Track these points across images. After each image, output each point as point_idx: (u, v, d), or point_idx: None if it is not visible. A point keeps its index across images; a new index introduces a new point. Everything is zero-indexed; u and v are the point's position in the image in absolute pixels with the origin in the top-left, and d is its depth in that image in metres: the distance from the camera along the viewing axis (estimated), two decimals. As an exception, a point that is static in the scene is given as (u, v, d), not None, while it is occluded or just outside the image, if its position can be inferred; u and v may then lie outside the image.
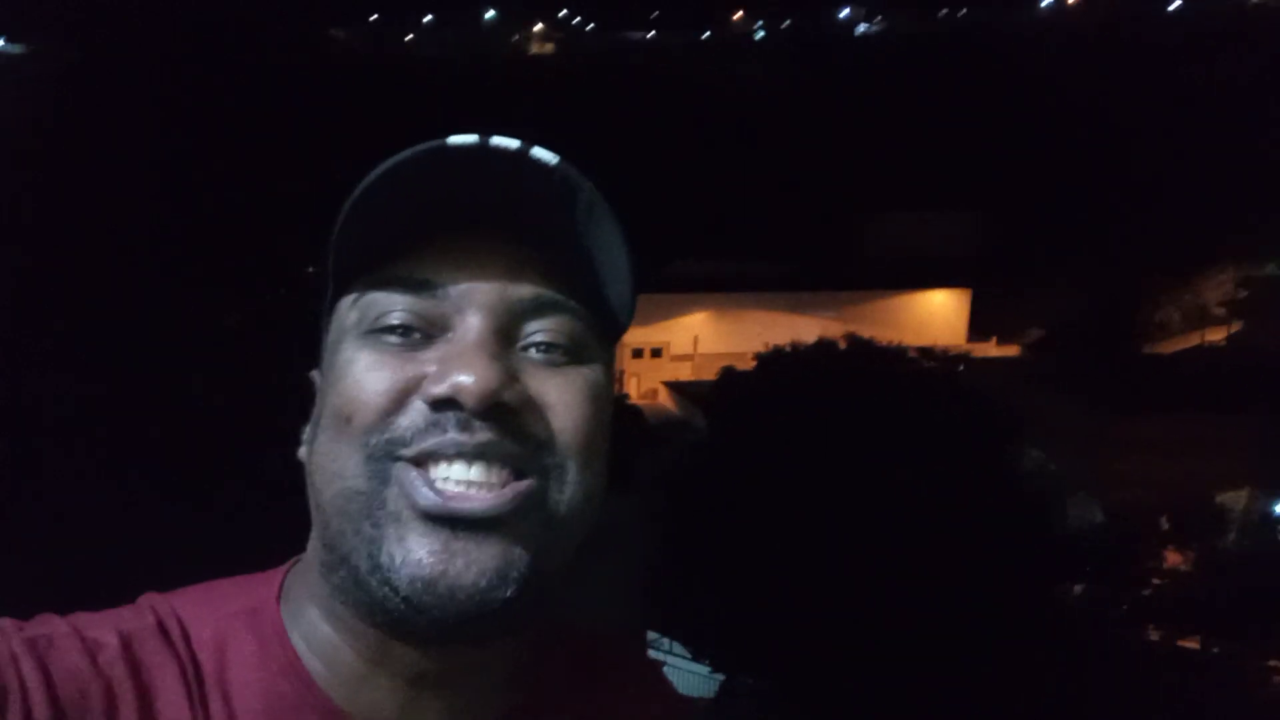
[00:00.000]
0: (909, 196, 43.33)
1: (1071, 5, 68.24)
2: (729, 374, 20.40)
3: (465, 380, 0.71)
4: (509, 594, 0.71)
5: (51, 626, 0.76)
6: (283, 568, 0.88)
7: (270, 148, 15.40)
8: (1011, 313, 38.23)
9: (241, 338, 10.73)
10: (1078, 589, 16.00)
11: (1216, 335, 36.71)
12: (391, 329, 0.76)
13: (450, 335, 0.76)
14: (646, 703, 0.98)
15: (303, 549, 0.85)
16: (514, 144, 0.76)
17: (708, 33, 76.94)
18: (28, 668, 0.70)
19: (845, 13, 77.96)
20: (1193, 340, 37.05)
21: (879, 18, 76.98)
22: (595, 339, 0.81)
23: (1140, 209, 40.04)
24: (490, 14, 77.89)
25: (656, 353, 35.79)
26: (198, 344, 10.10)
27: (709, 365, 28.38)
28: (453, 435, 0.72)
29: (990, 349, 37.15)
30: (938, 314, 39.70)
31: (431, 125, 0.89)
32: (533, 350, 0.77)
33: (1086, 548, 15.60)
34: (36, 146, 11.07)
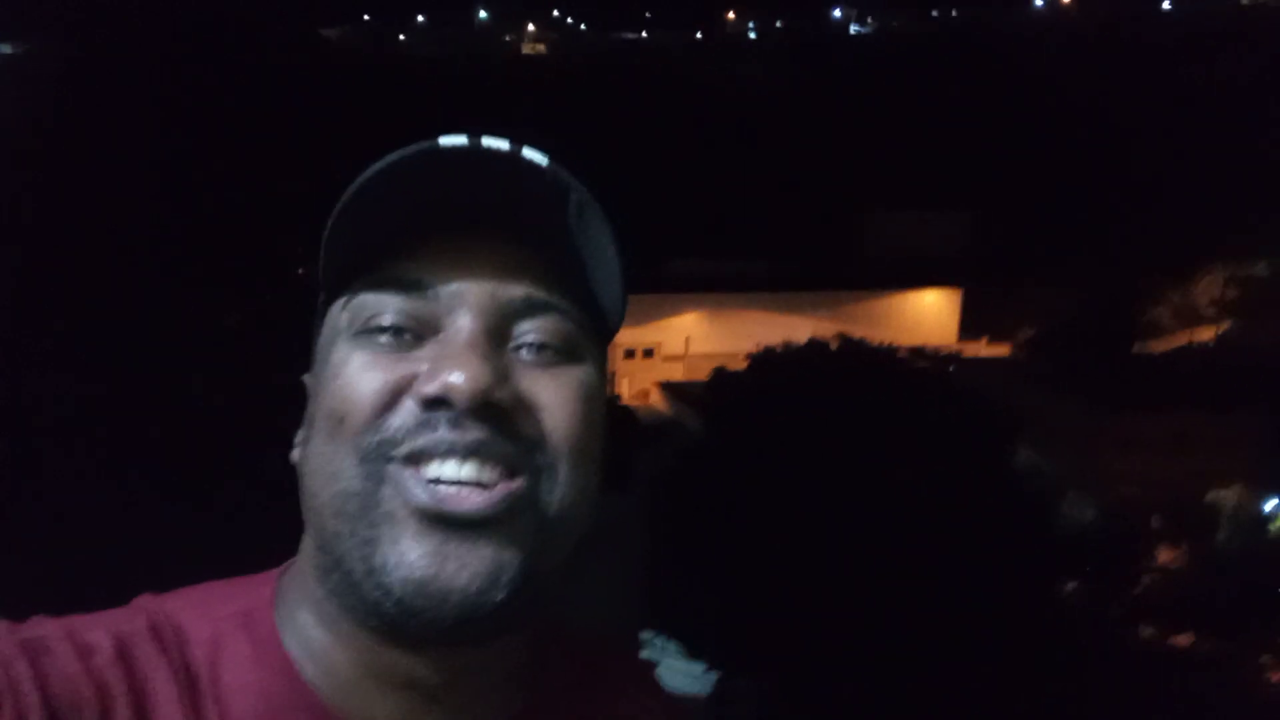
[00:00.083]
0: (901, 196, 43.24)
1: (1065, 5, 68.32)
2: (721, 374, 20.41)
3: (456, 379, 0.71)
4: (501, 597, 0.71)
5: (45, 629, 0.75)
6: (277, 570, 0.87)
7: (265, 147, 15.32)
8: (1003, 312, 38.14)
9: (241, 338, 10.68)
10: (1071, 586, 16.03)
11: (1207, 334, 36.72)
12: (383, 329, 0.76)
13: (441, 336, 0.76)
14: (644, 704, 0.99)
15: None
16: (505, 145, 0.76)
17: (700, 33, 76.93)
18: (21, 671, 0.69)
19: (839, 13, 78.08)
20: (1184, 339, 37.06)
21: (872, 17, 77.13)
22: (587, 339, 0.81)
23: (1131, 209, 40.01)
24: (483, 14, 77.84)
25: (648, 353, 35.59)
26: (197, 344, 10.05)
27: (701, 366, 28.25)
28: (444, 433, 0.72)
29: (981, 348, 37.06)
30: (929, 314, 39.61)
31: (425, 125, 0.90)
32: (524, 350, 0.77)
33: (1079, 546, 15.64)
34: (35, 146, 11.01)
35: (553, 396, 0.77)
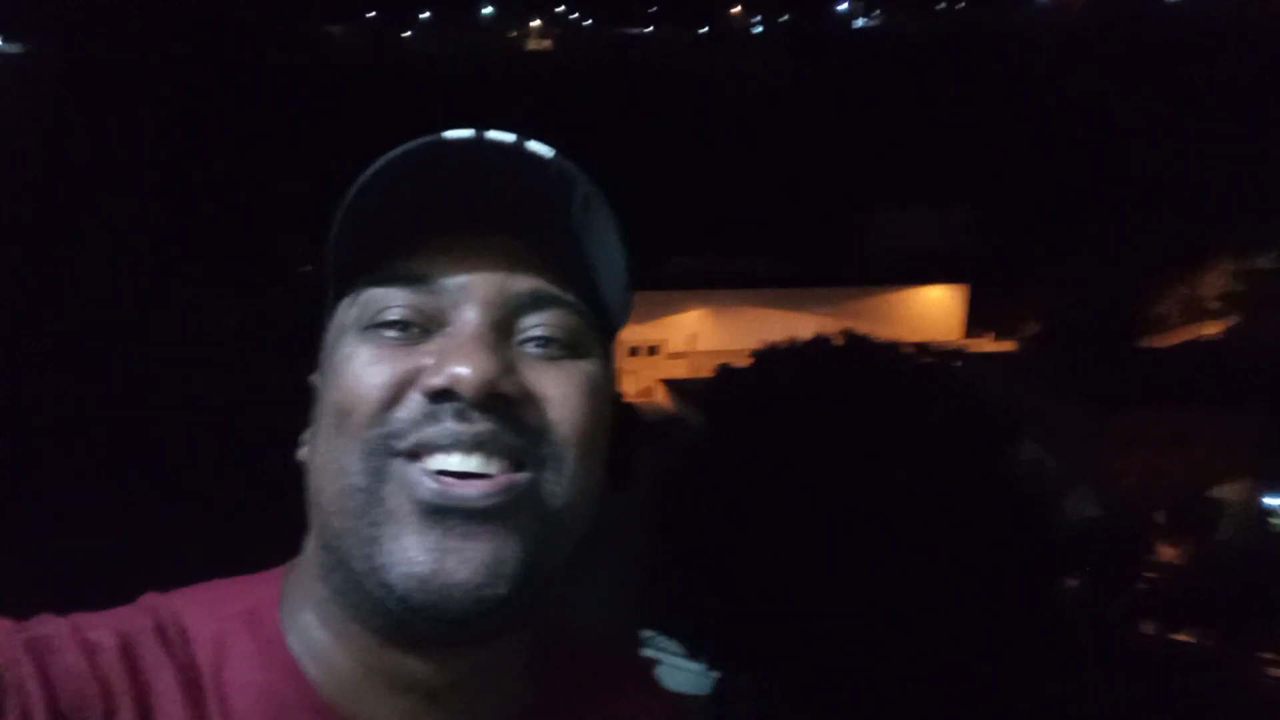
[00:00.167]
0: (906, 192, 43.21)
1: (1069, 1, 68.16)
2: (725, 371, 20.37)
3: (462, 371, 0.71)
4: (504, 591, 0.71)
5: (50, 627, 0.75)
6: (282, 568, 0.87)
7: (269, 146, 15.32)
8: (1008, 308, 38.12)
9: (241, 338, 10.67)
10: (1074, 583, 16.01)
11: (1213, 329, 36.64)
12: (389, 324, 0.76)
13: (448, 329, 0.76)
14: (645, 704, 0.99)
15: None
16: (510, 138, 0.76)
17: (706, 28, 76.84)
18: (26, 669, 0.70)
19: (843, 7, 77.92)
20: (1189, 334, 36.98)
21: (876, 12, 76.94)
22: (593, 333, 0.81)
23: (1136, 204, 39.97)
24: (488, 10, 77.73)
25: (653, 350, 35.65)
26: (198, 344, 10.05)
27: (705, 362, 28.30)
28: (449, 425, 0.72)
29: (987, 344, 37.03)
30: (934, 309, 39.63)
31: (429, 122, 0.90)
32: (530, 344, 0.77)
33: (1082, 542, 15.62)
34: (35, 146, 11.00)
35: (558, 390, 0.76)
